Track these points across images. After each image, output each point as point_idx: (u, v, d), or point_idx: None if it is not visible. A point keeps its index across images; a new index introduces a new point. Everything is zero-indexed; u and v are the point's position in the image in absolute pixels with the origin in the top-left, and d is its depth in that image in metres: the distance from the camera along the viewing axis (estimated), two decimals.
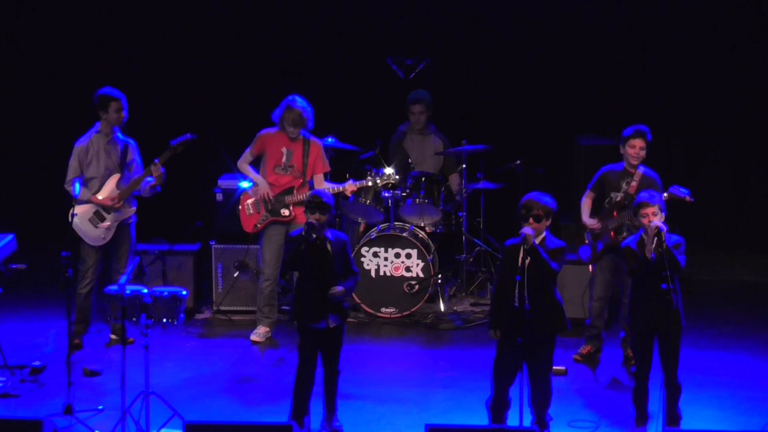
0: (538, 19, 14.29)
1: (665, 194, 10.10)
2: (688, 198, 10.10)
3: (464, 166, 12.38)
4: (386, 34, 14.23)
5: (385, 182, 11.54)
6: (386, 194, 12.17)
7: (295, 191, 11.23)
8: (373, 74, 14.07)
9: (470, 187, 12.47)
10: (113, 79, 11.60)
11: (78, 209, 10.63)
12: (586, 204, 10.73)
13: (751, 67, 14.34)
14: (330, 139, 12.40)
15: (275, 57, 14.43)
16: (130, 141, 11.09)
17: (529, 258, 8.60)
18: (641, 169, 10.53)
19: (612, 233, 10.57)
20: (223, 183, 12.35)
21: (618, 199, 10.55)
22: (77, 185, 10.53)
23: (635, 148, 10.47)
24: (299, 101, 11.16)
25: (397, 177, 11.66)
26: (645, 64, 14.37)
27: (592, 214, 10.71)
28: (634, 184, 10.50)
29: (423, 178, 12.26)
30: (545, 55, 14.35)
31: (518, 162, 12.60)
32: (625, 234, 10.43)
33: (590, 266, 11.00)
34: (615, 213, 10.56)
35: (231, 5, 14.48)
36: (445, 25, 14.36)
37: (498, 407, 8.84)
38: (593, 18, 14.26)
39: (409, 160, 12.53)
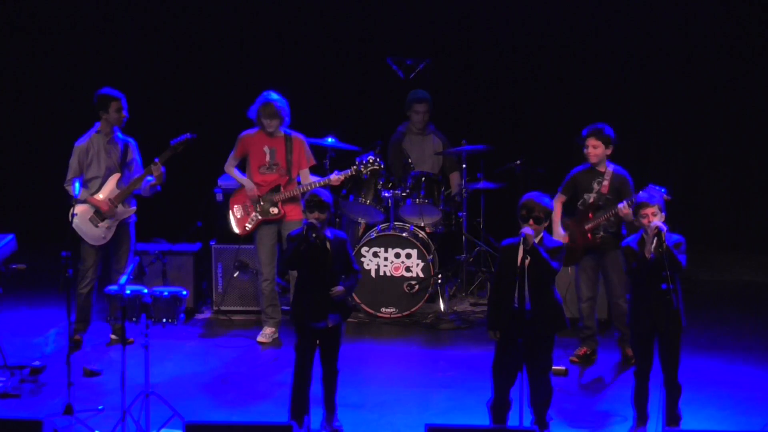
0: (538, 19, 14.28)
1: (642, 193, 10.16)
2: (665, 196, 10.12)
3: (464, 166, 12.38)
4: (386, 34, 14.22)
5: (369, 169, 11.39)
6: (386, 194, 12.17)
7: (281, 189, 11.24)
8: (373, 74, 14.06)
9: (470, 187, 12.47)
10: (113, 80, 11.61)
11: (78, 209, 10.63)
12: (556, 207, 10.66)
13: (751, 67, 14.34)
14: (330, 139, 12.41)
15: (275, 57, 14.42)
16: (130, 140, 11.09)
17: (529, 258, 8.60)
18: (611, 168, 10.62)
19: (589, 234, 10.60)
20: (223, 183, 12.35)
21: (591, 200, 10.62)
22: (77, 185, 10.52)
23: (588, 148, 10.62)
24: (273, 95, 11.19)
25: (381, 162, 11.51)
26: (645, 63, 14.36)
27: (564, 216, 10.75)
28: (605, 183, 10.58)
29: (423, 178, 12.25)
30: (545, 55, 14.35)
31: (518, 162, 12.60)
32: (601, 233, 10.55)
33: (569, 268, 11.02)
34: (590, 214, 10.60)
35: (231, 5, 14.47)
36: (445, 25, 14.36)
37: (499, 408, 8.84)
38: (593, 18, 14.26)
39: (409, 160, 12.52)
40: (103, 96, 10.92)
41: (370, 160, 11.30)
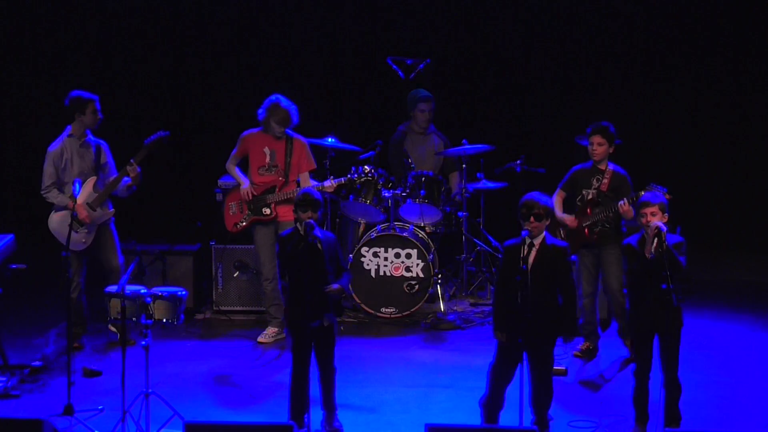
0: (538, 18, 14.30)
1: (642, 192, 10.20)
2: (666, 194, 10.13)
3: (464, 166, 12.39)
4: (386, 34, 14.23)
5: (362, 179, 11.58)
6: (386, 194, 12.18)
7: (276, 190, 11.27)
8: (373, 74, 14.06)
9: (470, 187, 12.47)
10: (113, 79, 11.62)
11: (57, 215, 10.59)
12: (557, 202, 10.79)
13: (751, 65, 14.34)
14: (330, 139, 12.41)
15: (275, 57, 14.43)
16: (102, 142, 11.02)
17: (534, 257, 8.62)
18: (611, 167, 10.67)
19: (586, 230, 10.64)
20: (223, 183, 12.35)
21: (590, 196, 10.67)
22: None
23: (592, 145, 10.69)
24: (284, 100, 11.22)
25: (374, 173, 11.67)
26: (645, 63, 14.37)
27: (565, 212, 10.80)
28: (605, 181, 10.64)
29: (423, 178, 12.25)
30: (545, 55, 14.35)
31: (518, 162, 12.61)
32: (599, 228, 10.56)
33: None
34: (588, 210, 10.63)
35: (231, 4, 14.47)
36: (445, 25, 14.36)
37: (492, 407, 8.85)
38: (593, 18, 14.27)
39: (409, 160, 12.53)
40: (78, 98, 10.86)
41: (366, 171, 11.45)
